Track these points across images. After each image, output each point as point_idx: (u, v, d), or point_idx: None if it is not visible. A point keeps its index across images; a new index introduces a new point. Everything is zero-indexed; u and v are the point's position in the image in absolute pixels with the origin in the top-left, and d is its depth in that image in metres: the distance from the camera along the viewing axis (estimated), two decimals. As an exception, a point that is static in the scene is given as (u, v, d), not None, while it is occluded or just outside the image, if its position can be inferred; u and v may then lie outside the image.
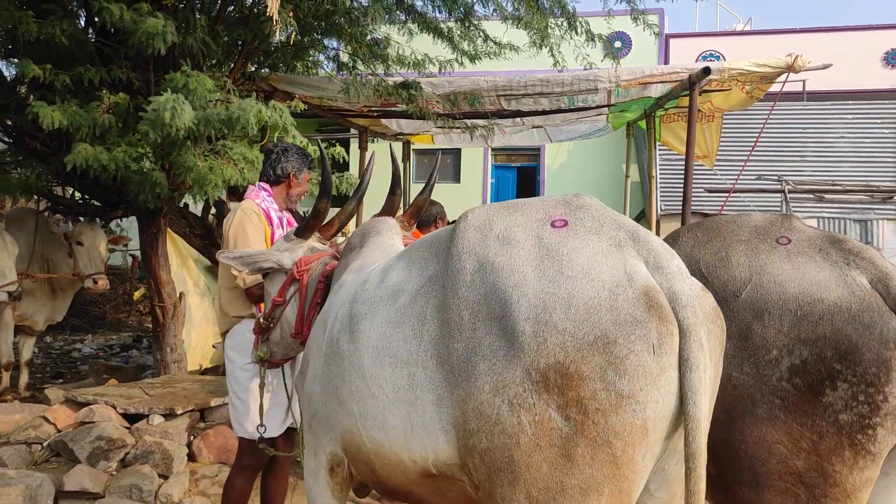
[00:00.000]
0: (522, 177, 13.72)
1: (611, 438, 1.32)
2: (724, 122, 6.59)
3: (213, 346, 6.26)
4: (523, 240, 1.47)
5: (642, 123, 6.96)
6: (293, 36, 4.39)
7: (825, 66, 5.12)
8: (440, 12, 5.73)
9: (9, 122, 4.99)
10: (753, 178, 8.76)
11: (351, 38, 5.42)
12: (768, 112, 6.05)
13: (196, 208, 6.44)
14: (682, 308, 1.37)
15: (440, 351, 1.50)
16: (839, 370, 1.59)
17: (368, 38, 5.81)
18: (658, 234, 6.88)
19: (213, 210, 6.28)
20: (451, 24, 5.90)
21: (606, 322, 1.33)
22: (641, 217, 11.25)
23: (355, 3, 5.11)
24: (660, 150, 8.87)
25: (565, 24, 5.38)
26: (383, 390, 1.62)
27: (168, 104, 3.45)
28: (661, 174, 10.41)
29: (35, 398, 5.38)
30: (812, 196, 8.67)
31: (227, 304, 2.91)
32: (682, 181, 5.23)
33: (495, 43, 6.18)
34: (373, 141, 7.70)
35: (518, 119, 6.65)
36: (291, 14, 4.18)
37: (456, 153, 13.07)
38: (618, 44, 11.73)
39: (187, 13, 4.30)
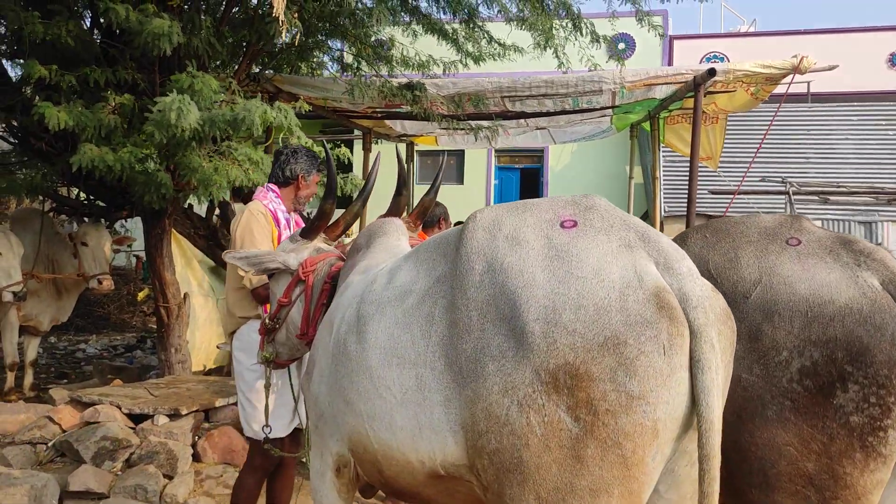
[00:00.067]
0: (526, 178, 13.71)
1: (621, 439, 1.32)
2: (728, 123, 6.58)
3: (217, 347, 6.27)
4: (532, 240, 1.47)
5: (646, 125, 6.95)
6: (298, 37, 4.39)
7: (831, 68, 5.10)
8: (444, 14, 5.74)
9: (14, 123, 5.01)
10: (757, 179, 8.74)
11: (355, 39, 5.43)
12: (773, 114, 6.03)
13: (200, 209, 6.45)
14: (692, 309, 1.36)
15: (448, 351, 1.50)
16: (850, 372, 1.58)
17: (373, 39, 5.82)
18: (662, 235, 6.83)
19: (216, 211, 6.29)
20: (456, 26, 5.91)
21: (617, 323, 1.32)
22: (645, 219, 11.22)
23: (360, 5, 5.12)
24: (663, 151, 8.85)
25: (570, 25, 5.37)
26: (391, 391, 1.62)
27: (174, 104, 3.45)
28: (664, 176, 10.39)
29: (40, 398, 5.39)
30: (817, 198, 8.65)
31: (234, 305, 2.92)
32: (686, 183, 5.22)
33: (500, 44, 6.18)
34: (376, 142, 7.71)
35: (522, 120, 6.65)
36: (296, 15, 4.19)
37: (459, 155, 13.06)
38: (621, 45, 11.71)
39: (192, 14, 4.31)
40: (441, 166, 2.63)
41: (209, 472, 3.87)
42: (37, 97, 4.47)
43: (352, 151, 6.55)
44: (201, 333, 6.35)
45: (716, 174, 8.24)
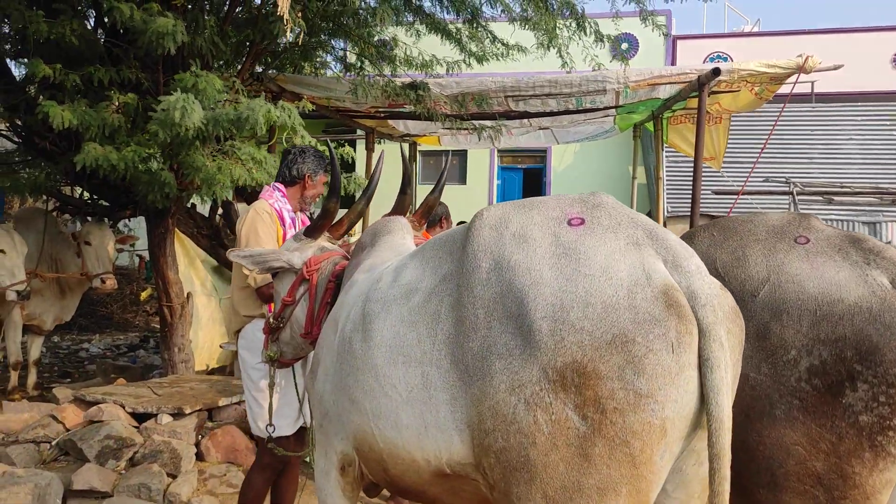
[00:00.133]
0: (528, 178, 13.69)
1: (629, 438, 1.31)
2: (732, 123, 6.56)
3: (221, 346, 6.27)
4: (540, 238, 1.46)
5: (649, 125, 6.93)
6: (301, 36, 4.39)
7: (836, 67, 5.09)
8: (448, 13, 5.73)
9: (18, 122, 5.01)
10: (761, 179, 8.72)
11: (359, 38, 5.43)
12: (777, 114, 6.01)
13: (203, 209, 6.45)
14: (701, 307, 1.35)
15: (455, 350, 1.49)
16: (859, 371, 1.57)
17: (376, 38, 5.82)
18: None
19: (220, 210, 6.29)
20: (459, 25, 5.90)
21: (625, 321, 1.32)
22: (648, 219, 11.20)
23: (363, 4, 5.11)
24: (666, 151, 8.84)
25: (574, 24, 5.36)
26: (397, 389, 1.61)
27: (178, 103, 3.45)
28: (667, 176, 10.38)
29: (43, 397, 5.39)
30: (821, 198, 8.63)
31: (239, 304, 2.92)
32: (689, 183, 5.21)
33: (503, 44, 6.17)
34: (379, 142, 7.71)
35: (525, 120, 6.64)
36: (300, 14, 4.19)
37: (462, 155, 13.06)
38: (624, 45, 11.70)
39: (196, 13, 4.31)
40: (445, 166, 2.63)
41: (212, 471, 3.87)
42: (41, 96, 4.47)
43: (355, 151, 6.55)
44: (204, 333, 6.36)
45: (719, 174, 8.22)
